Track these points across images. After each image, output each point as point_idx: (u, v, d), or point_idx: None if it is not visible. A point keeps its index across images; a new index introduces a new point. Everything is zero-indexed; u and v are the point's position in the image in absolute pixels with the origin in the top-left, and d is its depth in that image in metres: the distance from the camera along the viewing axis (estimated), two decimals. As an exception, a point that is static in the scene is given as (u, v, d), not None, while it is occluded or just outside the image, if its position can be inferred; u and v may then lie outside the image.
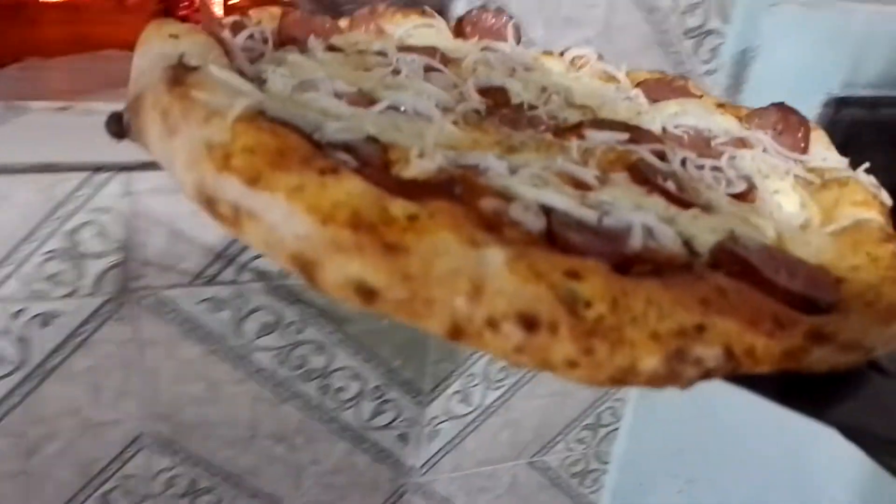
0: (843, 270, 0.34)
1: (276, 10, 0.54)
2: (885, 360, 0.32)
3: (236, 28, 0.47)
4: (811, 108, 1.03)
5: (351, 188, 0.25)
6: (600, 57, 0.65)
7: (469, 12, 0.66)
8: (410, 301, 0.23)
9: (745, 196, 0.41)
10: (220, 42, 0.40)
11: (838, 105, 1.05)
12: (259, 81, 0.40)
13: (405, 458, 1.04)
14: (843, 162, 0.47)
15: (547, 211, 0.30)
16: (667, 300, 0.24)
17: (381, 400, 0.97)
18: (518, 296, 0.23)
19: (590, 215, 0.29)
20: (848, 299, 0.30)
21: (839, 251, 0.36)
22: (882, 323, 0.30)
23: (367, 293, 0.24)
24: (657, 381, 0.25)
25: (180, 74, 0.31)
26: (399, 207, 0.25)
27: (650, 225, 0.29)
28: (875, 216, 0.40)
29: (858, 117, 1.07)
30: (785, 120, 0.51)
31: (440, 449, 1.07)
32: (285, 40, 0.53)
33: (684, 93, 0.58)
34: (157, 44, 0.38)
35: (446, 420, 1.05)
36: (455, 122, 0.42)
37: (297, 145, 0.28)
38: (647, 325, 0.24)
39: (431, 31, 0.62)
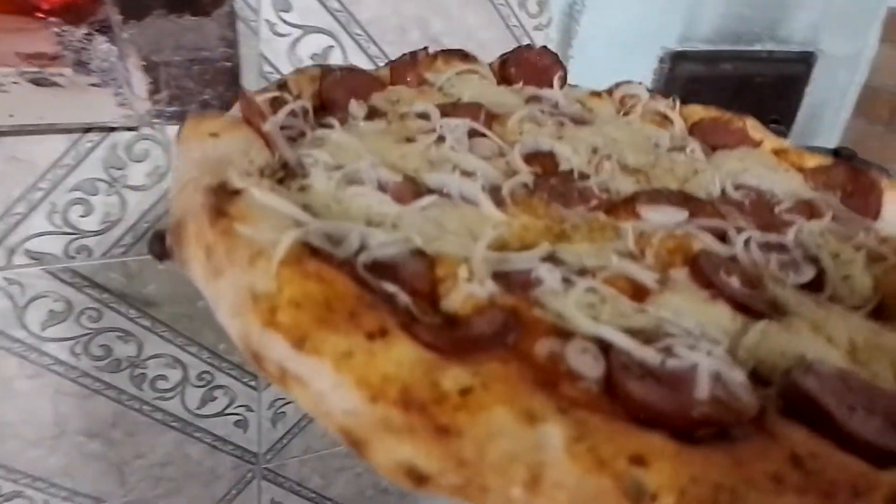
0: None
1: (315, 71, 0.53)
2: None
3: (276, 105, 0.45)
4: (647, 62, 1.02)
5: (401, 355, 0.24)
6: (651, 94, 0.62)
7: (513, 52, 0.63)
8: (464, 487, 0.22)
9: (813, 285, 0.38)
10: (261, 134, 0.39)
11: (675, 60, 1.03)
12: (302, 174, 0.38)
13: (247, 445, 0.98)
14: None
15: (606, 347, 0.29)
16: (738, 482, 0.22)
17: (209, 387, 0.90)
18: (579, 489, 0.22)
19: (652, 357, 0.27)
20: None
21: None
22: None
23: (418, 477, 0.23)
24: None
25: (223, 202, 0.30)
26: (451, 379, 0.24)
27: (718, 370, 0.26)
28: None
29: (697, 72, 1.06)
30: (855, 179, 0.48)
31: (287, 432, 1.01)
32: (326, 104, 0.52)
33: (743, 137, 0.55)
34: (197, 145, 0.37)
35: (289, 402, 0.97)
36: (501, 204, 0.41)
37: (344, 291, 0.27)
38: None
39: (474, 78, 0.60)
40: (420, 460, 0.23)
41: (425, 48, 0.60)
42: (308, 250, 0.29)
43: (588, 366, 0.27)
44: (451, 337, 0.27)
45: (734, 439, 0.25)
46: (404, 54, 0.59)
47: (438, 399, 0.23)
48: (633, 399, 0.26)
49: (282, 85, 0.48)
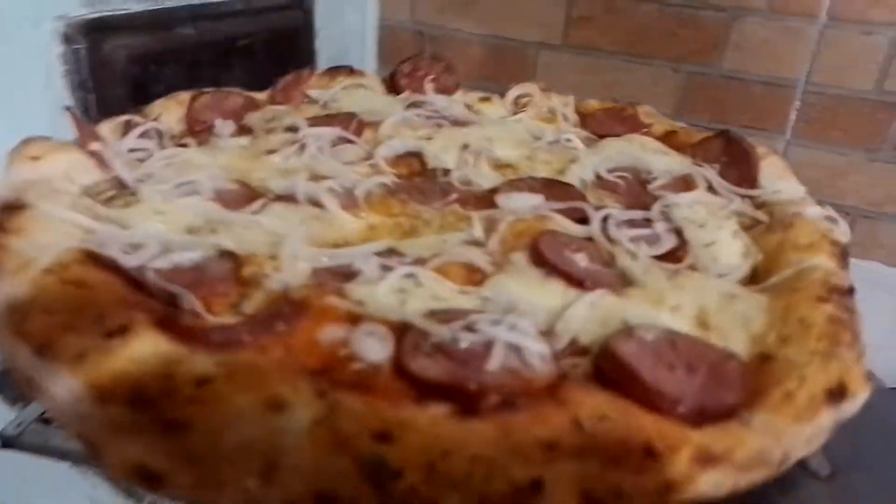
0: (771, 344, 0.30)
1: (184, 97, 0.52)
2: (814, 462, 0.27)
3: (128, 127, 0.44)
4: (38, 44, 0.62)
5: (140, 350, 0.23)
6: (545, 90, 0.62)
7: (402, 64, 0.63)
8: (200, 484, 0.20)
9: (673, 255, 0.37)
10: (93, 155, 0.38)
11: (90, 33, 0.65)
12: (131, 191, 0.38)
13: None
14: (799, 191, 0.44)
15: (405, 328, 0.27)
16: (501, 452, 0.20)
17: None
18: (316, 472, 0.20)
19: (444, 334, 0.26)
20: (764, 391, 0.27)
21: (770, 318, 0.31)
22: (798, 420, 0.26)
23: (151, 477, 0.21)
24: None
25: (4, 217, 0.29)
26: (188, 371, 0.22)
27: (517, 343, 0.26)
28: (821, 261, 0.35)
29: (139, 47, 0.70)
30: (730, 150, 0.47)
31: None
32: (193, 126, 0.52)
33: (633, 123, 0.55)
34: (18, 168, 0.36)
35: None
36: (355, 206, 0.40)
37: (104, 296, 0.25)
38: (471, 491, 0.21)
39: (360, 92, 0.60)
40: (150, 459, 0.21)
41: (310, 67, 0.59)
42: (88, 257, 0.28)
43: (373, 349, 0.26)
44: (207, 330, 0.25)
45: (518, 408, 0.23)
46: (288, 74, 0.58)
47: (170, 392, 0.21)
48: (416, 375, 0.25)
49: (137, 111, 0.47)
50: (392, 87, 0.61)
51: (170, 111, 0.51)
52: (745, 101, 1.07)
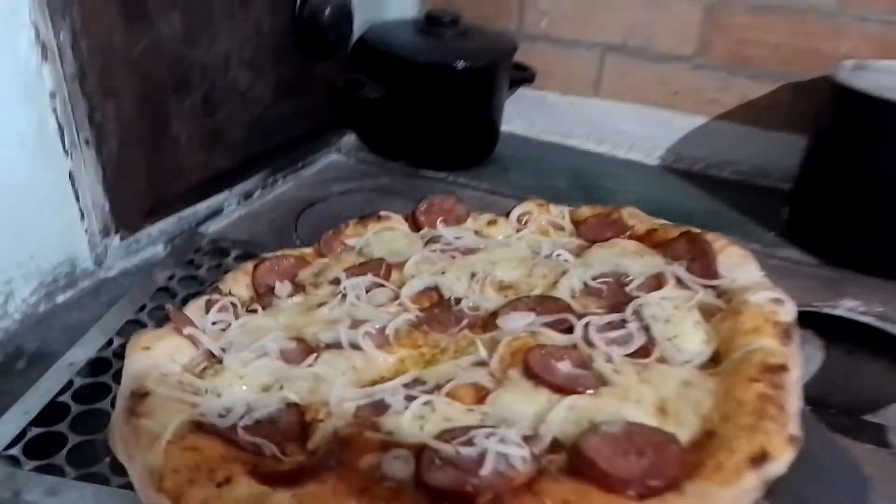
0: (715, 422, 0.37)
1: (249, 267, 0.65)
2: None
3: (209, 306, 0.57)
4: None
5: (239, 493, 0.34)
6: (542, 206, 0.73)
7: (419, 204, 0.75)
8: None
9: (644, 350, 0.45)
10: (188, 336, 0.51)
11: None
12: (218, 360, 0.50)
13: None
14: (754, 276, 0.50)
15: (420, 451, 0.37)
16: None
17: None
18: None
19: (449, 450, 0.36)
20: (702, 463, 0.35)
21: (716, 399, 0.39)
22: (725, 485, 0.33)
23: None
24: None
25: (134, 404, 0.42)
26: (278, 500, 0.33)
27: (504, 452, 0.35)
28: (764, 343, 0.43)
29: None
30: (692, 247, 0.55)
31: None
32: (259, 290, 0.64)
33: (619, 226, 0.65)
34: (135, 358, 0.49)
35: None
36: (387, 343, 0.51)
37: (210, 454, 0.37)
38: None
39: (389, 234, 0.72)
40: None
41: (346, 222, 0.73)
42: (196, 426, 0.40)
43: (399, 468, 0.36)
44: (285, 471, 0.36)
45: (503, 502, 0.33)
46: (328, 230, 0.72)
47: None
48: (430, 485, 0.34)
49: (214, 289, 0.60)
50: (414, 223, 0.73)
51: (238, 281, 0.63)
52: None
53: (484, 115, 1.09)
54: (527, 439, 0.37)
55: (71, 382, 0.57)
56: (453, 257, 0.63)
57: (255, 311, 0.59)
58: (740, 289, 0.49)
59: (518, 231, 0.69)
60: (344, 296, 0.57)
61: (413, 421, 0.40)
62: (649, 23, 1.09)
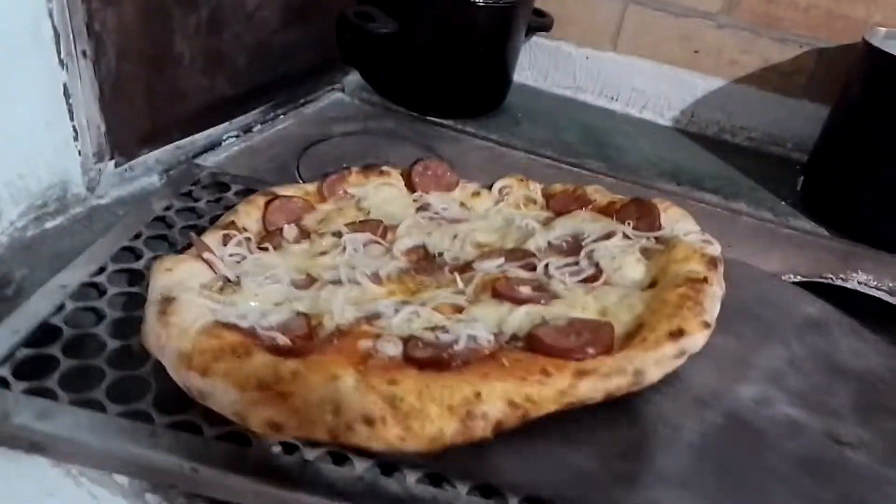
0: (645, 316, 0.51)
1: (261, 200, 0.72)
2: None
3: (226, 239, 0.65)
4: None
5: (256, 362, 0.46)
6: (522, 181, 0.80)
7: (414, 164, 0.81)
8: (301, 425, 0.43)
9: (592, 278, 0.59)
10: (206, 261, 0.60)
11: None
12: (236, 283, 0.58)
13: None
14: (685, 229, 0.64)
15: (408, 339, 0.50)
16: (455, 382, 0.43)
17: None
18: (361, 404, 0.43)
19: (430, 336, 0.49)
20: (631, 339, 0.49)
21: (649, 303, 0.53)
22: (646, 350, 0.47)
23: (276, 427, 0.43)
24: (460, 438, 0.42)
25: (164, 307, 0.52)
26: (287, 368, 0.45)
27: (473, 334, 0.48)
28: (693, 266, 0.57)
29: None
30: (641, 209, 0.69)
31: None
32: (268, 228, 0.70)
33: (583, 200, 0.75)
34: (158, 276, 0.57)
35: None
36: (380, 282, 0.61)
37: (231, 340, 0.48)
38: (443, 402, 0.43)
39: (389, 189, 0.79)
40: (273, 416, 0.43)
41: (348, 167, 0.80)
42: (220, 325, 0.51)
43: (390, 349, 0.49)
44: (293, 348, 0.49)
45: (471, 364, 0.46)
46: (332, 172, 0.78)
47: (278, 379, 0.45)
48: (414, 359, 0.48)
49: (231, 222, 0.67)
50: (410, 184, 0.80)
51: (250, 216, 0.70)
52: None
53: (498, 61, 1.10)
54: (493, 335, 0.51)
55: (63, 305, 0.60)
56: (440, 224, 0.72)
57: (265, 248, 0.66)
58: (678, 236, 0.63)
59: (497, 203, 0.78)
60: (344, 248, 0.66)
61: (402, 322, 0.52)
62: None
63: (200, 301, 0.53)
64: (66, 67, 0.68)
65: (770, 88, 1.11)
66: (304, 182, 0.81)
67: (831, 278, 0.90)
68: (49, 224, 0.71)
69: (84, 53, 0.69)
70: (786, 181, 1.04)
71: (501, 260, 0.62)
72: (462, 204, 0.78)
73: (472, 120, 1.10)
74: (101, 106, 0.72)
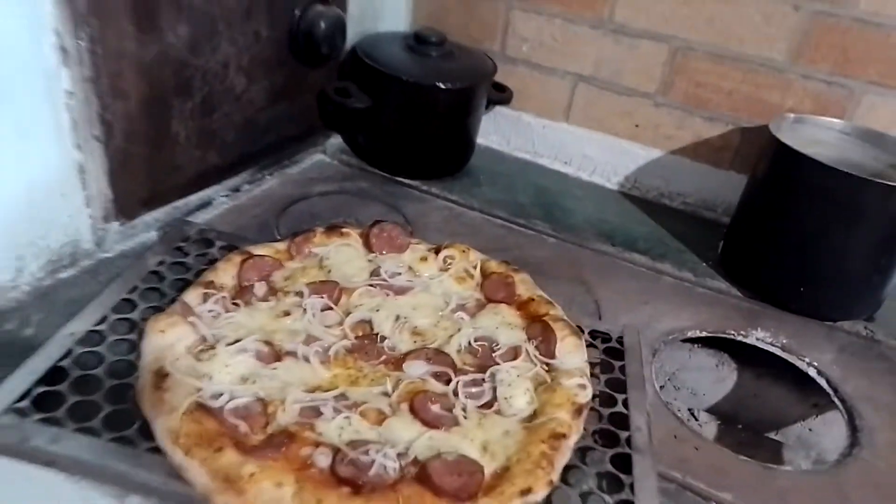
0: (513, 462, 0.64)
1: (237, 259, 0.87)
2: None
3: (206, 297, 0.79)
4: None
5: (228, 459, 0.59)
6: (465, 252, 0.93)
7: (372, 226, 0.96)
8: None
9: (487, 405, 0.72)
10: (190, 324, 0.75)
11: None
12: (211, 347, 0.72)
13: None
14: (575, 363, 0.77)
15: (336, 451, 0.63)
16: None
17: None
18: None
19: (353, 455, 0.62)
20: (494, 487, 0.61)
21: (519, 448, 0.66)
22: (500, 501, 0.60)
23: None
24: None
25: (157, 381, 0.66)
26: (247, 470, 0.58)
27: (383, 463, 0.61)
28: (562, 415, 0.69)
29: None
30: (545, 331, 0.80)
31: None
32: (241, 283, 0.85)
33: (510, 292, 0.87)
34: (152, 337, 0.72)
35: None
36: (327, 362, 0.75)
37: (209, 428, 0.62)
38: None
39: (348, 249, 0.94)
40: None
41: (313, 228, 0.93)
42: (198, 405, 0.65)
43: (322, 460, 0.63)
44: (254, 448, 0.62)
45: (376, 492, 0.58)
46: (300, 231, 0.92)
47: (239, 478, 0.58)
48: (337, 475, 0.61)
49: (210, 281, 0.81)
50: (367, 244, 0.94)
51: (227, 272, 0.85)
52: (878, 51, 1.06)
53: (461, 131, 1.24)
54: (399, 455, 0.64)
55: (71, 350, 0.74)
56: (388, 295, 0.86)
57: (237, 304, 0.81)
58: (564, 371, 0.76)
59: (441, 270, 0.92)
60: (304, 310, 0.81)
61: (336, 429, 0.65)
62: (618, 59, 1.24)
63: (189, 381, 0.65)
64: (81, 149, 0.83)
65: (702, 160, 1.25)
66: (280, 238, 0.94)
67: (733, 334, 1.02)
68: (62, 275, 0.86)
69: (96, 137, 0.84)
70: (710, 244, 1.18)
71: (426, 367, 0.73)
72: (410, 268, 0.90)
73: (438, 181, 1.24)
74: (109, 179, 0.88)
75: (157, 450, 0.62)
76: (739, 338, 1.01)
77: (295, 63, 1.11)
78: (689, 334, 1.00)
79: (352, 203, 1.15)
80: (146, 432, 0.64)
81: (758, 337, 1.01)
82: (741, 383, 1.15)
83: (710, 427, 1.24)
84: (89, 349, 0.72)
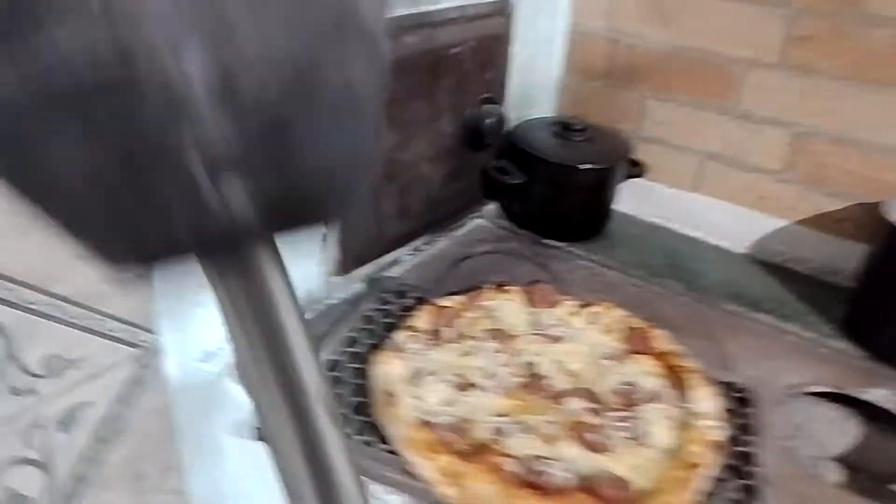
0: (651, 483, 0.83)
1: (430, 309, 1.12)
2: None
3: (410, 339, 1.06)
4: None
5: (445, 460, 0.84)
6: (609, 308, 1.15)
7: (529, 285, 1.21)
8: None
9: (634, 437, 0.92)
10: (402, 358, 1.02)
11: None
12: (418, 378, 0.97)
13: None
14: (708, 407, 0.94)
15: (521, 460, 0.86)
16: None
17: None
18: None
19: (534, 465, 0.84)
20: (645, 496, 0.81)
21: (660, 472, 0.85)
22: None
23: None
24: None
25: (388, 400, 0.93)
26: (460, 469, 0.82)
27: (557, 473, 0.83)
28: (697, 449, 0.88)
29: None
30: (681, 380, 0.99)
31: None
32: (434, 329, 1.11)
33: (649, 345, 1.07)
34: (377, 367, 0.99)
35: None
36: (504, 393, 0.98)
37: (429, 437, 0.87)
38: None
39: (511, 304, 1.18)
40: (448, 493, 0.82)
41: (482, 286, 1.14)
42: (421, 421, 0.90)
43: (512, 467, 0.85)
44: (462, 455, 0.85)
45: (557, 495, 0.79)
46: (472, 287, 1.18)
47: (454, 474, 0.82)
48: (524, 479, 0.83)
49: (411, 325, 1.08)
50: (529, 300, 1.17)
51: (422, 318, 1.11)
52: None
53: (600, 202, 1.46)
54: (566, 469, 0.84)
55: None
56: (545, 342, 1.08)
57: (432, 344, 1.06)
58: (699, 413, 0.93)
59: (589, 323, 1.12)
60: (482, 352, 1.05)
61: (518, 445, 0.88)
62: (744, 140, 1.39)
63: (409, 400, 0.90)
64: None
65: (824, 230, 1.36)
66: (456, 291, 1.19)
67: (854, 391, 1.12)
68: (305, 317, 1.17)
69: None
70: (833, 306, 1.28)
71: (583, 403, 0.93)
72: (563, 321, 1.11)
73: (579, 243, 1.45)
74: (339, 243, 1.16)
75: (391, 451, 0.87)
76: (859, 394, 1.11)
77: (464, 149, 1.38)
78: (812, 388, 1.12)
79: (506, 261, 1.39)
80: (380, 437, 0.89)
81: (878, 395, 1.10)
82: (866, 436, 1.22)
83: (834, 474, 1.31)
84: (331, 374, 1.00)
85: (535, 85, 1.51)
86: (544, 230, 1.47)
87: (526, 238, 1.49)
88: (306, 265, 1.14)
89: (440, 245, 1.44)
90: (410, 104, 1.15)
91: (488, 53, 1.25)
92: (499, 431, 0.88)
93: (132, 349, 0.98)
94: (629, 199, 1.55)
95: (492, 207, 1.58)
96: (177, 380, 1.02)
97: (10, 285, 0.79)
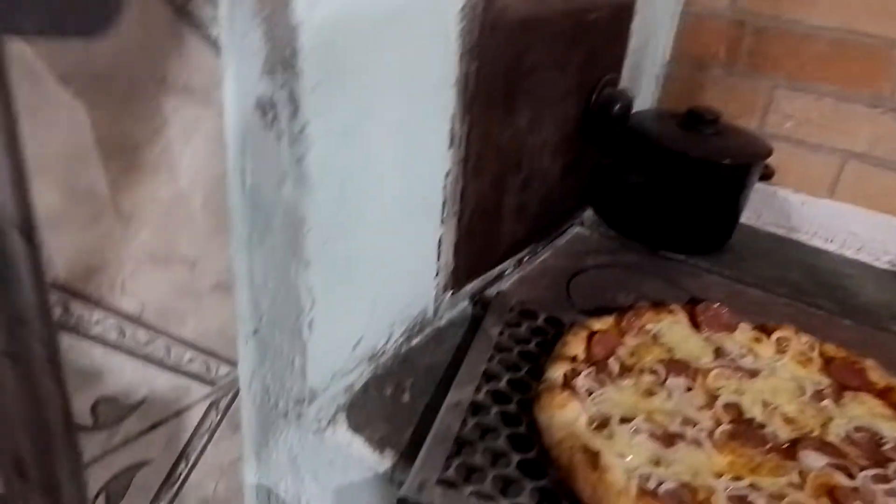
0: None
1: (583, 333, 0.90)
2: None
3: (574, 373, 0.82)
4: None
5: None
6: (796, 332, 0.94)
7: (699, 306, 0.98)
8: None
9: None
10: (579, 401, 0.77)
11: None
12: (606, 426, 0.74)
13: None
14: None
15: None
16: None
17: None
18: None
19: None
20: None
21: None
22: None
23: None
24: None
25: (593, 461, 0.68)
26: None
27: None
28: None
29: (524, 14, 0.82)
30: None
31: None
32: (592, 360, 0.88)
33: (864, 379, 0.86)
34: (555, 413, 0.74)
35: None
36: (717, 446, 0.75)
37: None
38: None
39: (679, 327, 0.96)
40: None
41: (641, 305, 0.97)
42: (642, 490, 0.67)
43: None
44: None
45: None
46: (628, 308, 0.95)
47: None
48: None
49: (566, 355, 0.84)
50: (693, 322, 0.96)
51: (577, 345, 0.87)
52: None
53: (732, 207, 1.25)
54: None
55: (465, 421, 0.78)
56: (740, 377, 0.86)
57: (602, 379, 0.83)
58: None
59: (778, 352, 0.91)
60: (667, 390, 0.82)
61: None
62: None
63: (616, 461, 0.67)
64: (444, 224, 0.90)
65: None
66: (578, 309, 1.00)
67: None
68: (414, 341, 0.93)
69: (454, 213, 0.91)
70: None
71: (824, 458, 0.72)
72: (749, 349, 0.90)
73: (702, 256, 1.24)
74: (454, 251, 0.94)
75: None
76: None
77: (580, 141, 1.18)
78: None
79: (629, 277, 1.17)
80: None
81: None
82: None
83: None
84: (479, 419, 0.76)
85: (644, 71, 1.34)
86: (659, 240, 1.26)
87: (637, 249, 1.28)
88: (422, 276, 0.93)
89: (543, 257, 1.22)
90: (546, 75, 0.94)
91: (618, 25, 1.10)
92: (741, 501, 0.66)
93: (205, 387, 0.75)
94: (749, 206, 1.34)
95: (590, 213, 1.39)
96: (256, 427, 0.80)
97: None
